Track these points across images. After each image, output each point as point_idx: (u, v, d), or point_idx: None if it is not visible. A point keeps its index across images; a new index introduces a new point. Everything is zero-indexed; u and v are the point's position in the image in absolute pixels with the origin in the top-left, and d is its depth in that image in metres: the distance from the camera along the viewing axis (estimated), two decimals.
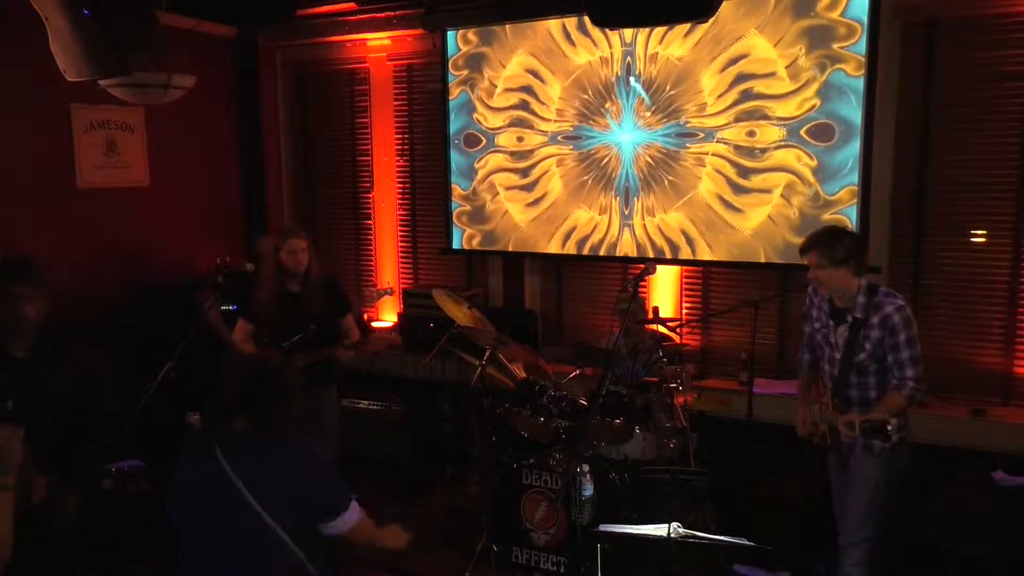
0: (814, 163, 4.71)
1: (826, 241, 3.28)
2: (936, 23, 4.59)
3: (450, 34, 5.74)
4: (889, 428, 2.92)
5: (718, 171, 4.99)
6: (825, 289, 3.37)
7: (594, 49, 5.27)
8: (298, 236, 4.13)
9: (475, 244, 5.91)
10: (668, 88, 5.07)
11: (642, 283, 4.11)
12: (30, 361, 3.01)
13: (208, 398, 2.44)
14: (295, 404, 2.39)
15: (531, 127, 5.56)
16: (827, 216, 4.70)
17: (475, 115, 5.75)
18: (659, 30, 5.03)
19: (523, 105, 5.56)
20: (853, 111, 4.57)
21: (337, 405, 4.42)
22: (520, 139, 5.61)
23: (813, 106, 4.67)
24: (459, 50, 5.74)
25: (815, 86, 4.64)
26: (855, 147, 4.59)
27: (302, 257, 4.10)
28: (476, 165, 5.81)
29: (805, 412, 3.47)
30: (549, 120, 5.49)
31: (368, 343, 4.36)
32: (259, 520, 2.24)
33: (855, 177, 4.61)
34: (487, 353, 4.36)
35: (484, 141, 5.75)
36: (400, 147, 6.38)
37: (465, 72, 5.74)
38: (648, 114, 5.15)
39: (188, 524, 2.35)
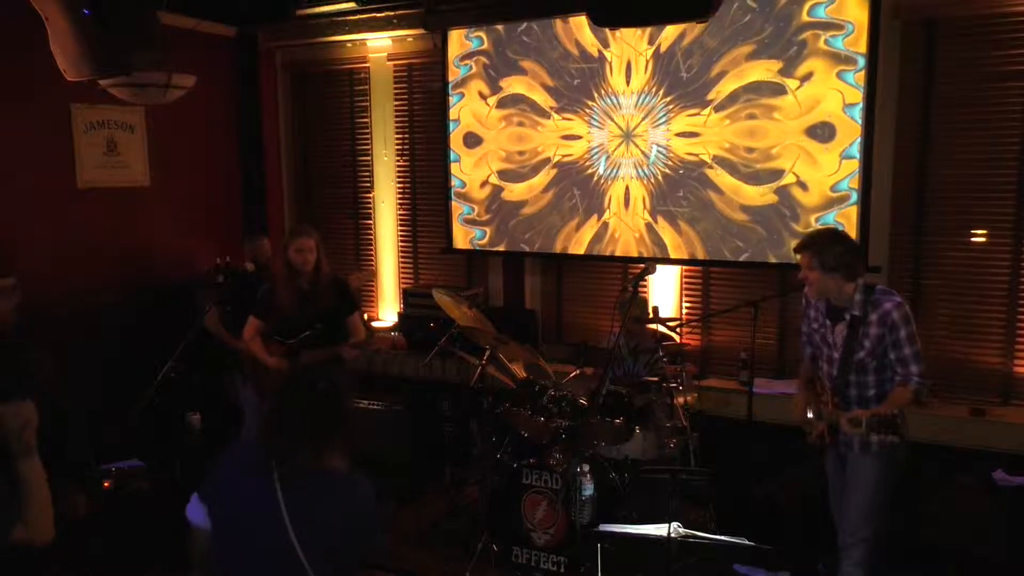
0: (813, 163, 4.72)
1: (818, 246, 3.26)
2: (936, 23, 4.59)
3: (451, 33, 5.74)
4: (899, 422, 2.92)
5: (718, 170, 4.99)
6: (813, 291, 3.36)
7: (597, 49, 5.27)
8: (306, 235, 4.17)
9: (476, 244, 5.91)
10: (668, 87, 5.07)
11: (642, 283, 4.11)
12: None
13: (261, 415, 2.30)
14: (350, 424, 2.27)
15: (532, 127, 5.56)
16: (825, 216, 4.71)
17: (476, 114, 5.76)
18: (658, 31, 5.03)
19: (523, 106, 5.57)
20: (853, 111, 4.57)
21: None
22: (521, 139, 5.61)
23: (812, 106, 4.67)
24: (460, 49, 5.75)
25: (813, 86, 4.65)
26: (855, 147, 4.59)
27: (310, 256, 4.14)
28: (476, 165, 5.81)
29: (805, 396, 3.47)
30: (550, 119, 5.49)
31: (372, 343, 4.36)
32: (293, 555, 2.14)
33: (855, 176, 4.62)
34: (487, 353, 4.36)
35: (485, 140, 5.75)
36: (400, 147, 6.38)
37: (466, 71, 5.75)
38: (651, 113, 5.15)
39: (221, 524, 2.25)
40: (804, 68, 4.66)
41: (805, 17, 4.63)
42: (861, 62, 4.52)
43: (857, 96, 4.55)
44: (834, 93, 4.61)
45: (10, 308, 2.91)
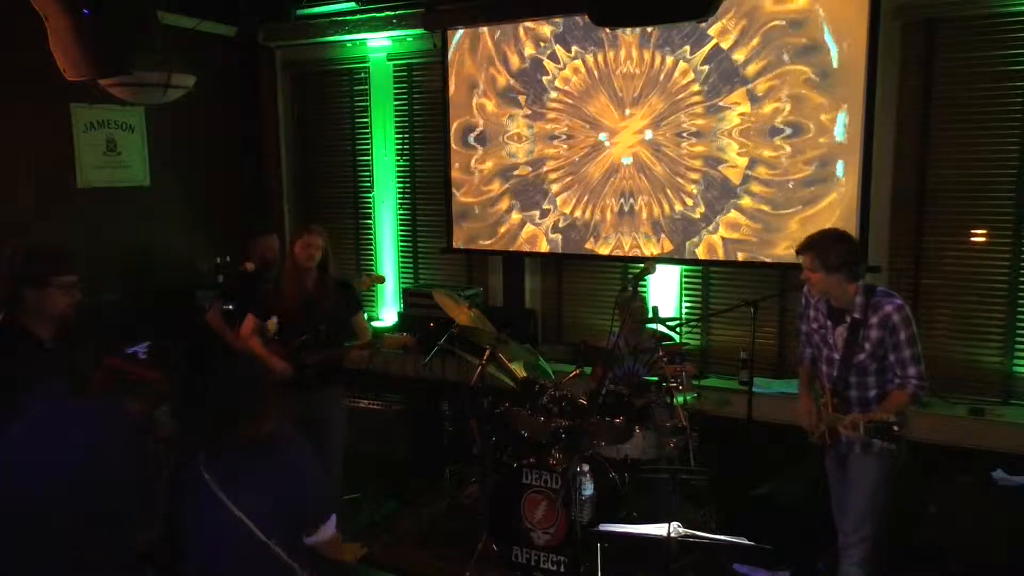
0: (806, 160, 4.72)
1: (821, 246, 3.26)
2: (936, 23, 4.59)
3: (451, 33, 5.74)
4: (895, 428, 2.92)
5: (718, 170, 5.00)
6: (815, 291, 3.37)
7: (598, 48, 5.28)
8: (316, 233, 4.20)
9: (477, 243, 5.90)
10: (668, 87, 5.07)
11: (641, 283, 4.11)
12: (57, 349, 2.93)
13: (186, 410, 2.41)
14: (269, 409, 2.35)
15: (532, 124, 5.56)
16: (823, 213, 4.71)
17: (476, 113, 5.76)
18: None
19: (524, 102, 5.57)
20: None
21: (344, 405, 4.43)
22: (524, 138, 5.61)
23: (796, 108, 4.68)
24: (461, 46, 5.75)
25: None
26: (849, 147, 4.60)
27: (316, 253, 4.14)
28: (477, 164, 5.81)
29: (808, 403, 3.48)
30: (548, 117, 5.49)
31: (381, 342, 4.35)
32: (249, 534, 2.22)
33: (855, 176, 4.62)
34: (487, 353, 4.36)
35: (486, 139, 5.75)
36: (400, 147, 6.38)
37: (466, 68, 5.75)
38: (649, 112, 5.16)
39: (189, 538, 2.32)
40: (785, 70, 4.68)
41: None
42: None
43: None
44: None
45: (71, 304, 2.95)
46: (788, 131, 4.77)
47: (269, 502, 2.25)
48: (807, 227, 4.74)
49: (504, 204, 5.73)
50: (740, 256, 5.01)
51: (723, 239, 5.04)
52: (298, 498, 2.32)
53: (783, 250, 4.86)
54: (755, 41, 4.78)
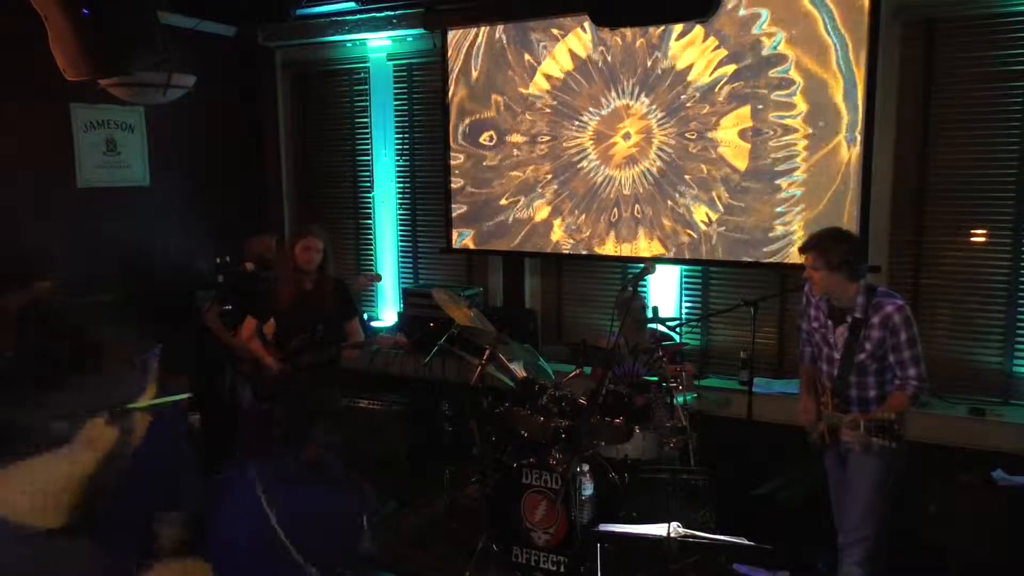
0: (804, 157, 4.73)
1: (823, 244, 3.28)
2: (936, 23, 4.59)
3: (451, 33, 5.75)
4: (896, 427, 2.93)
5: (719, 171, 5.00)
6: (817, 290, 3.37)
7: (598, 45, 5.28)
8: (315, 235, 4.21)
9: (477, 243, 5.90)
10: (669, 88, 5.07)
11: (641, 282, 4.11)
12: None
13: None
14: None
15: (534, 124, 5.56)
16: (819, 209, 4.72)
17: (478, 112, 5.76)
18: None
19: (527, 102, 5.57)
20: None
21: (341, 404, 4.44)
22: (526, 138, 5.61)
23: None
24: (464, 45, 5.75)
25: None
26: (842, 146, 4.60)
27: (316, 255, 4.16)
28: (478, 163, 5.81)
29: (809, 403, 3.48)
30: (547, 118, 5.49)
31: (373, 342, 4.37)
32: (286, 552, 2.18)
33: (855, 173, 4.62)
34: (487, 353, 4.36)
35: (488, 138, 5.75)
36: (400, 147, 6.38)
37: (469, 67, 5.75)
38: (653, 112, 5.16)
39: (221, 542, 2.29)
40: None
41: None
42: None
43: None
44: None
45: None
46: (789, 131, 4.78)
47: (308, 523, 2.19)
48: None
49: (505, 204, 5.73)
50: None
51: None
52: (348, 536, 2.28)
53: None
54: (753, 41, 4.78)
